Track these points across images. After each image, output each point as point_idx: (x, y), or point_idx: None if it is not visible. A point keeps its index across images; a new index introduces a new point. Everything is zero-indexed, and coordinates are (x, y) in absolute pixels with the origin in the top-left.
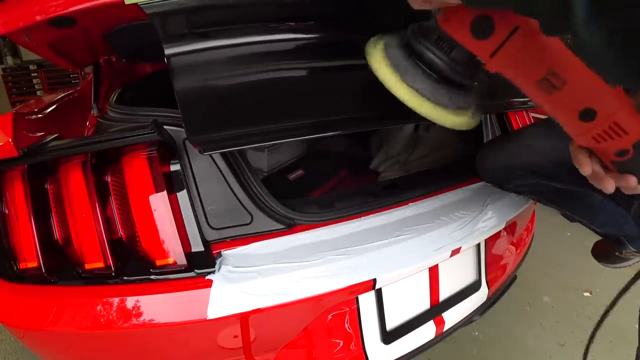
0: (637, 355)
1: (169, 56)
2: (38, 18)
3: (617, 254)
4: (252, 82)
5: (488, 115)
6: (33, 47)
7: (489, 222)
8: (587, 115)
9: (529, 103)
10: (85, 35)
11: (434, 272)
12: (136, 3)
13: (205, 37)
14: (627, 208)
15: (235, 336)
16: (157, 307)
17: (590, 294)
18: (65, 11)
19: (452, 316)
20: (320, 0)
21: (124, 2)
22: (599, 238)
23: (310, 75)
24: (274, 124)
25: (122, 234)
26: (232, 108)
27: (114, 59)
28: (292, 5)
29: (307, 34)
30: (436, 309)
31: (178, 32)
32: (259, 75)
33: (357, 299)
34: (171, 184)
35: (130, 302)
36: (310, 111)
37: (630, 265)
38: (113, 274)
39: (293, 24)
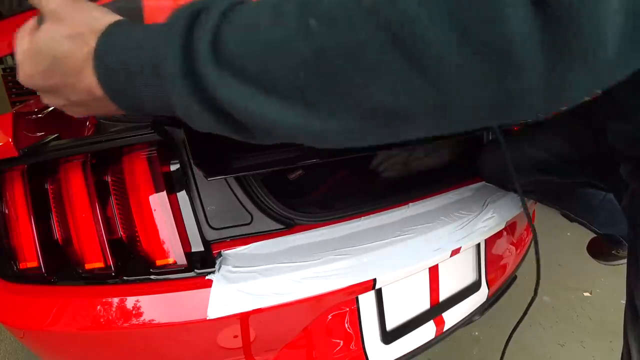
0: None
1: None
2: None
3: (613, 252)
4: None
5: None
6: None
7: (489, 222)
8: None
9: None
10: None
11: (434, 272)
12: None
13: None
14: (619, 202)
15: (235, 336)
16: (157, 307)
17: (590, 294)
18: None
19: (452, 316)
20: None
21: None
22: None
23: None
24: (282, 148)
25: (122, 234)
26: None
27: None
28: None
29: None
30: (436, 309)
31: None
32: None
33: (357, 299)
34: (171, 184)
35: (130, 302)
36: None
37: (625, 262)
38: (113, 274)
39: None
